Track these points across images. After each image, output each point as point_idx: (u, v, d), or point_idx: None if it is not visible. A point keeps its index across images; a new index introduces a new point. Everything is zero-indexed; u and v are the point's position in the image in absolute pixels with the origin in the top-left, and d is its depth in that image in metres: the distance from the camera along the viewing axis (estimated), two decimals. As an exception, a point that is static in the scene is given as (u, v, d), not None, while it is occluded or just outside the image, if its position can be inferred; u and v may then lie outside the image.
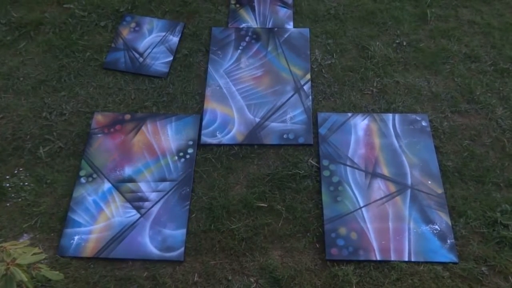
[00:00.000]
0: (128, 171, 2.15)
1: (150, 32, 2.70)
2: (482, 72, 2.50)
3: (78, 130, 2.30)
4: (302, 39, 2.64)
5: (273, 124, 2.29)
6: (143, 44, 2.64)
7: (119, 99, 2.42)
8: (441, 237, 1.93)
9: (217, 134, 2.26)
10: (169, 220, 2.00)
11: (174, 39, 2.65)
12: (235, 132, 2.26)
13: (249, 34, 2.68)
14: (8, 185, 2.12)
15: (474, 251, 1.90)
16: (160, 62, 2.55)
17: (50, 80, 2.50)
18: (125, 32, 2.69)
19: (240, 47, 2.61)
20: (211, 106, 2.36)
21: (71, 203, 2.05)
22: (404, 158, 2.16)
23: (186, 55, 2.59)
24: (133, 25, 2.73)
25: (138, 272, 1.88)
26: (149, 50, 2.60)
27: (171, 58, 2.56)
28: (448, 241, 1.92)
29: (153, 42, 2.65)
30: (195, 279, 1.87)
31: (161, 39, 2.65)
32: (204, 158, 2.20)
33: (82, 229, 1.98)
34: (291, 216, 2.02)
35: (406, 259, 1.88)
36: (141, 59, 2.56)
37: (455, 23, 2.75)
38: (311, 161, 2.18)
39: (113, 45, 2.64)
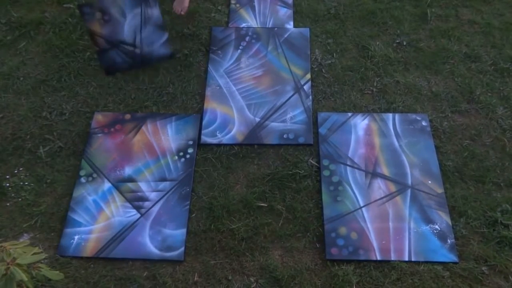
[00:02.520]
0: (128, 170, 2.15)
1: (123, 15, 2.35)
2: (482, 72, 2.50)
3: (78, 130, 2.30)
4: (302, 39, 2.64)
5: (273, 124, 2.29)
6: (126, 33, 2.38)
7: (119, 99, 2.42)
8: (441, 237, 1.93)
9: (217, 134, 2.25)
10: (169, 220, 2.00)
11: (155, 12, 2.36)
12: (235, 132, 2.26)
13: (249, 33, 2.68)
14: (8, 185, 2.12)
15: (474, 251, 1.90)
16: (158, 44, 2.41)
17: (50, 80, 2.50)
18: (96, 27, 2.36)
19: (240, 47, 2.61)
20: (211, 106, 2.36)
21: (71, 203, 2.05)
22: (404, 158, 2.16)
23: (186, 55, 2.59)
24: (98, 15, 2.33)
25: (138, 272, 1.88)
26: (138, 37, 2.39)
27: (166, 36, 2.41)
28: (448, 241, 1.92)
29: (135, 25, 2.37)
30: (195, 278, 1.87)
31: (142, 19, 2.36)
32: (204, 158, 2.20)
33: (82, 228, 1.98)
34: (291, 216, 2.02)
35: (406, 259, 1.88)
36: (137, 50, 2.40)
37: (455, 23, 2.75)
38: (311, 161, 2.18)
39: (96, 49, 2.43)
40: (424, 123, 2.27)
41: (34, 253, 1.44)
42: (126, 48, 2.39)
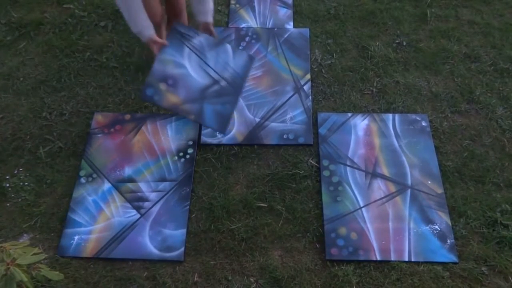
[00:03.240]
0: (128, 171, 2.15)
1: (180, 65, 2.07)
2: (482, 72, 2.50)
3: (78, 130, 2.30)
4: (302, 39, 2.65)
5: (273, 124, 2.29)
6: (198, 78, 2.07)
7: (119, 99, 2.42)
8: (441, 237, 1.93)
9: (217, 134, 2.25)
10: (169, 220, 2.00)
11: (199, 36, 2.11)
12: (235, 132, 2.26)
13: (249, 34, 2.68)
14: (8, 185, 2.12)
15: (474, 251, 1.90)
16: (231, 59, 2.09)
17: (50, 80, 2.50)
18: (172, 98, 2.03)
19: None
20: (211, 106, 2.36)
21: (71, 203, 2.05)
22: (404, 158, 2.16)
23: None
24: (163, 87, 2.05)
25: (138, 272, 1.88)
26: (211, 71, 2.06)
27: (228, 46, 2.11)
28: (448, 241, 1.92)
29: (198, 63, 2.08)
30: (195, 279, 1.87)
31: (196, 53, 2.09)
32: (204, 158, 2.20)
33: (82, 229, 1.98)
34: (291, 216, 2.02)
35: (406, 259, 1.88)
36: (223, 83, 2.06)
37: (455, 23, 2.75)
38: (311, 161, 2.18)
39: (191, 117, 2.06)
40: (424, 124, 2.27)
41: (34, 254, 1.45)
42: (213, 91, 2.05)
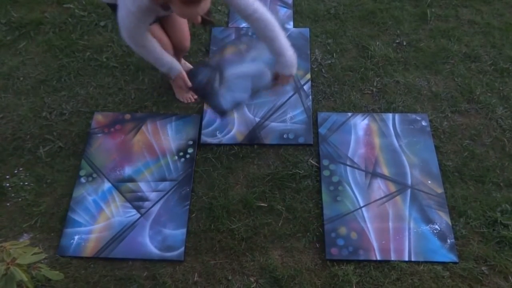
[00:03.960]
0: (128, 171, 2.15)
1: (254, 59, 2.13)
2: (482, 72, 2.50)
3: (78, 130, 2.30)
4: (302, 39, 2.64)
5: (273, 124, 2.29)
6: (233, 69, 2.10)
7: (119, 99, 2.42)
8: (441, 237, 1.93)
9: (217, 134, 2.26)
10: (169, 220, 2.00)
11: (268, 78, 2.06)
12: (235, 132, 2.26)
13: (249, 34, 2.68)
14: (8, 185, 2.12)
15: (474, 251, 1.90)
16: (229, 98, 2.06)
17: (50, 80, 2.50)
18: (229, 50, 2.17)
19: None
20: (211, 106, 2.36)
21: (71, 203, 2.05)
22: (404, 158, 2.16)
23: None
24: (243, 47, 2.19)
25: (138, 272, 1.88)
26: (232, 78, 2.10)
27: (245, 96, 2.07)
28: (448, 241, 1.92)
29: (244, 72, 2.11)
30: (195, 278, 1.87)
31: (254, 74, 2.12)
32: (204, 158, 2.20)
33: (82, 229, 1.98)
34: (291, 216, 2.02)
35: (406, 259, 1.88)
36: (216, 84, 2.07)
37: (455, 23, 2.75)
38: (311, 161, 2.18)
39: (207, 59, 2.21)
40: (424, 123, 2.27)
41: (34, 253, 1.45)
42: (215, 75, 2.10)
